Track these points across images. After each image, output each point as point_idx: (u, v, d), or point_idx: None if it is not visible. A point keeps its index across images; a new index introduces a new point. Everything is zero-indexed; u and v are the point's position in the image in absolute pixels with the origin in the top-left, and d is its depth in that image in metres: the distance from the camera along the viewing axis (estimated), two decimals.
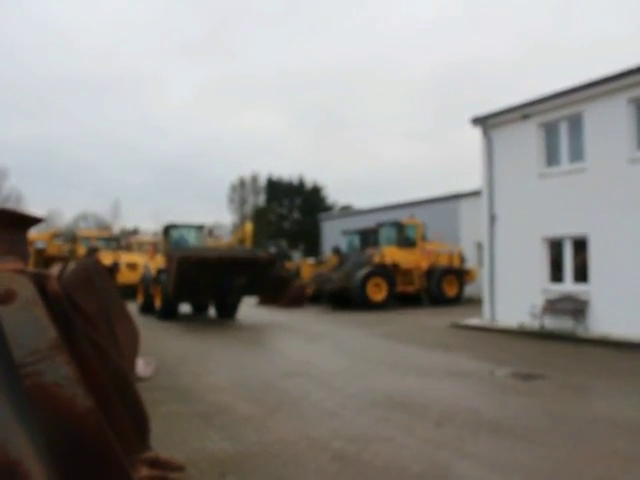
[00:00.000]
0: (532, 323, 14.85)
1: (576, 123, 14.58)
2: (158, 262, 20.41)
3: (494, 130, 16.78)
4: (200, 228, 22.36)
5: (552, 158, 15.30)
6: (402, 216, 27.45)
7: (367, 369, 9.98)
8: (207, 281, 16.43)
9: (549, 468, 5.05)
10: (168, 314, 18.53)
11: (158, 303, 18.85)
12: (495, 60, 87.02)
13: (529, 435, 6.02)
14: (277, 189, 56.97)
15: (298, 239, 52.19)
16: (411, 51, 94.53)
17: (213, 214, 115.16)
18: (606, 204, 13.59)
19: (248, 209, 60.82)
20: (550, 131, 15.37)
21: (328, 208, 55.01)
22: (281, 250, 31.13)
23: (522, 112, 15.75)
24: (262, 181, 60.01)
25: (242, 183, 62.09)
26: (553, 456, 5.36)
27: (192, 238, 21.63)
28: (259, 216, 54.36)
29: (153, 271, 19.92)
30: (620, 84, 13.32)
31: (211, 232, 23.06)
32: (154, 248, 32.83)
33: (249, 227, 31.32)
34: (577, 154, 14.57)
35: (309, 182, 57.29)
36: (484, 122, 16.85)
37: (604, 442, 5.79)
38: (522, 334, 14.59)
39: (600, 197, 13.73)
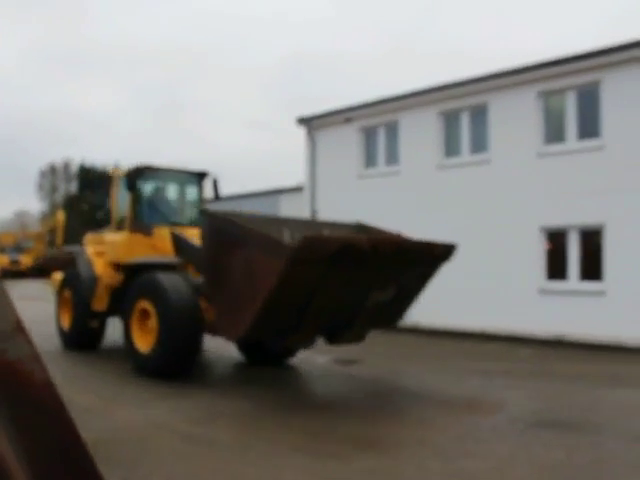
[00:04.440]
0: None
1: (393, 129, 15.78)
2: (121, 247, 9.67)
3: (318, 131, 17.52)
4: (200, 176, 10.88)
5: (371, 160, 16.40)
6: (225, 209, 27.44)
7: None
8: (333, 298, 6.56)
9: (360, 435, 5.48)
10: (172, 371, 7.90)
11: (145, 346, 8.04)
12: (355, 56, 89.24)
13: (348, 409, 6.50)
14: (90, 177, 53.78)
15: None
16: (266, 37, 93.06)
17: (20, 201, 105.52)
18: (416, 204, 14.88)
19: (59, 197, 56.55)
20: (369, 135, 16.45)
21: None
22: None
23: (344, 116, 16.65)
24: (75, 167, 56.30)
25: (53, 169, 57.69)
26: (367, 425, 5.84)
27: (182, 197, 10.99)
28: (71, 205, 50.85)
29: (100, 266, 9.84)
30: (431, 97, 14.69)
31: (216, 183, 10.96)
32: None
33: (61, 216, 29.12)
34: (393, 158, 15.78)
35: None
36: (309, 123, 17.52)
37: (413, 413, 6.44)
38: None
39: (411, 198, 15.01)
